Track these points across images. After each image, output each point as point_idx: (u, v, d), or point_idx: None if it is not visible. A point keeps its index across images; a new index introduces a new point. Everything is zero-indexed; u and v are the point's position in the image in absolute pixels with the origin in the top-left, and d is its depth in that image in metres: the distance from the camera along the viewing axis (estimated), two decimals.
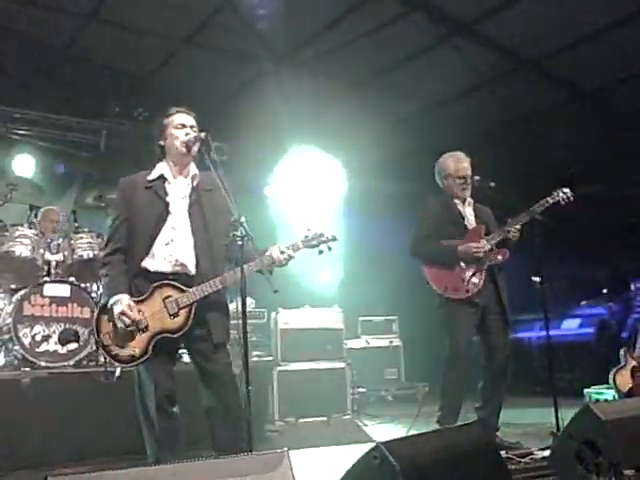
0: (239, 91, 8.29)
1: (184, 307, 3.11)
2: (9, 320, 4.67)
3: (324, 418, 6.17)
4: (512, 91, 7.75)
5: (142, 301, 3.14)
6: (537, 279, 4.47)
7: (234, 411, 3.18)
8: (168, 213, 3.24)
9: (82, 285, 5.02)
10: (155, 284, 3.16)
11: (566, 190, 4.38)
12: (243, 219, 2.99)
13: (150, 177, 3.31)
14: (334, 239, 3.32)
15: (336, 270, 7.44)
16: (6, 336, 4.75)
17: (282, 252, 3.21)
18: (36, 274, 5.08)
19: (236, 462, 2.04)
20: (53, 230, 5.49)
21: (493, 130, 8.51)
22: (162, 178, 3.31)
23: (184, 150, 3.30)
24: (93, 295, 5.01)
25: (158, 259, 3.19)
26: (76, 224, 5.44)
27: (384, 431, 5.69)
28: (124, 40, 7.46)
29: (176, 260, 3.20)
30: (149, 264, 3.18)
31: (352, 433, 5.60)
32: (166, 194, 3.27)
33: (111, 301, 3.11)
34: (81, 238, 5.24)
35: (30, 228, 5.17)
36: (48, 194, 6.94)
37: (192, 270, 3.22)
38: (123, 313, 3.07)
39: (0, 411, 4.20)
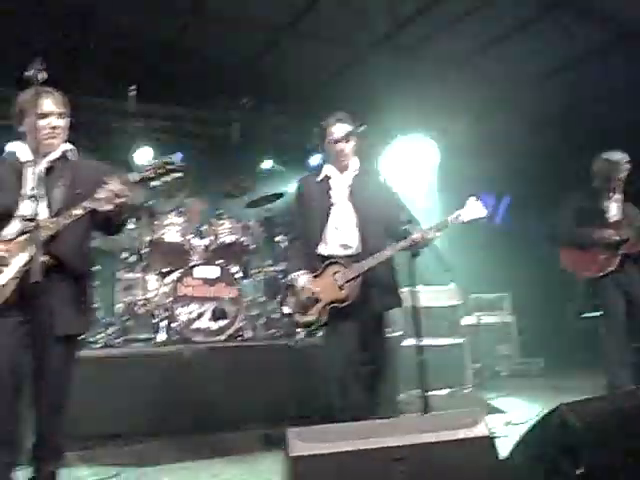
0: (337, 75, 8.52)
1: (349, 280, 3.57)
2: (167, 300, 5.16)
3: (447, 391, 6.43)
4: (616, 63, 7.67)
5: (316, 277, 3.69)
6: None
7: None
8: (332, 204, 3.75)
9: (227, 267, 5.44)
10: (326, 262, 3.67)
11: None
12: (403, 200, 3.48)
13: (319, 178, 3.86)
14: (485, 217, 3.58)
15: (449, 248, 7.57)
16: (165, 314, 5.24)
17: (425, 232, 3.52)
18: (184, 258, 5.55)
19: (446, 418, 2.34)
20: (198, 217, 5.94)
21: (597, 104, 8.41)
22: (327, 177, 3.84)
23: (339, 161, 3.81)
24: (236, 276, 5.43)
25: (329, 243, 3.73)
26: (218, 211, 5.89)
27: (508, 404, 5.87)
28: (227, 31, 7.79)
29: (344, 243, 3.71)
30: (322, 249, 3.74)
31: (478, 405, 5.81)
32: (330, 188, 3.81)
33: (290, 277, 3.76)
34: (223, 224, 5.69)
35: (178, 217, 5.63)
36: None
37: (359, 250, 3.68)
38: (303, 287, 3.66)
39: (165, 382, 4.67)
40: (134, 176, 2.80)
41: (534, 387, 6.88)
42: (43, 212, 2.81)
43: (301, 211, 3.85)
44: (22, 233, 2.80)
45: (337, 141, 3.72)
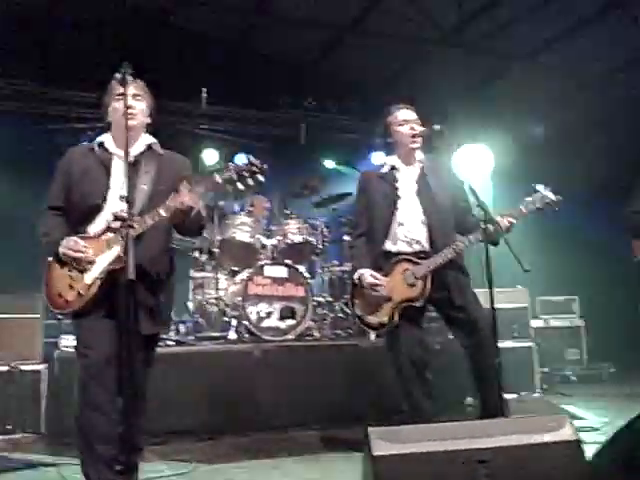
0: (401, 72, 8.49)
1: (420, 277, 3.49)
2: (238, 299, 5.24)
3: (514, 396, 6.31)
4: None
5: (385, 276, 3.59)
6: None
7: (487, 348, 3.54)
8: (398, 197, 3.64)
9: (295, 266, 5.49)
10: (394, 259, 3.59)
11: None
12: (474, 188, 3.32)
13: (383, 170, 3.75)
14: (558, 202, 3.46)
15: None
16: (235, 313, 5.33)
17: (502, 217, 3.42)
18: (254, 257, 5.64)
19: (530, 421, 2.31)
20: (264, 217, 6.02)
21: None
22: (393, 168, 3.72)
23: (410, 145, 3.67)
24: (306, 275, 5.47)
25: (396, 240, 3.62)
26: (287, 211, 5.96)
27: (577, 409, 5.72)
28: (291, 31, 7.85)
29: (411, 239, 3.61)
30: (389, 246, 3.64)
31: (548, 410, 5.68)
32: (396, 180, 3.69)
33: (356, 275, 3.62)
34: (291, 224, 5.75)
35: (248, 216, 5.72)
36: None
37: (426, 246, 3.60)
38: (372, 284, 3.54)
39: (236, 379, 4.76)
40: (217, 178, 2.76)
41: (604, 392, 6.70)
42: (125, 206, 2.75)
43: (365, 206, 3.73)
44: (107, 229, 2.84)
45: (404, 122, 3.64)
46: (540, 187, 3.46)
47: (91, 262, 2.81)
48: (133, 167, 2.87)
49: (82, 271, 2.82)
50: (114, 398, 2.75)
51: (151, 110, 3.08)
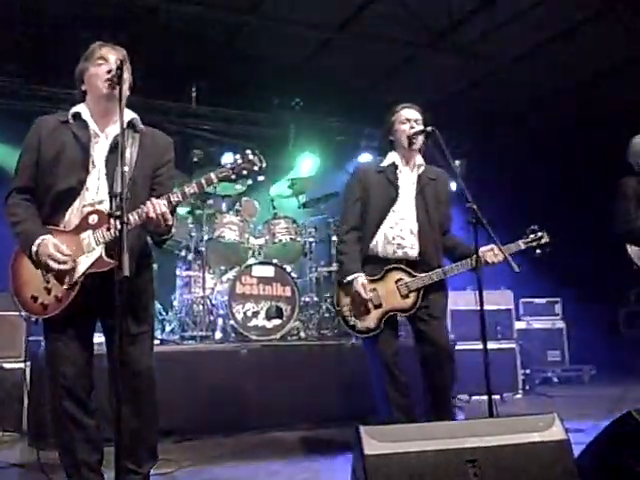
0: (389, 74, 8.53)
1: (414, 290, 3.45)
2: (225, 298, 5.23)
3: (496, 396, 6.35)
4: None
5: (376, 281, 3.51)
6: None
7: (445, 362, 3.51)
8: (397, 197, 3.55)
9: (282, 266, 5.49)
10: (388, 267, 3.51)
11: None
12: (475, 206, 3.21)
13: (384, 164, 3.65)
14: (549, 244, 3.54)
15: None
16: (222, 312, 5.32)
17: (496, 255, 3.42)
18: (241, 256, 5.63)
19: (518, 421, 2.34)
20: (252, 217, 6.00)
21: None
22: (393, 165, 3.63)
23: (407, 143, 3.60)
24: (293, 275, 5.47)
25: (382, 242, 3.53)
26: (274, 210, 5.95)
27: (561, 410, 5.77)
28: (280, 31, 7.82)
29: (398, 244, 3.52)
30: (375, 247, 3.54)
31: (529, 411, 5.74)
32: (396, 179, 3.59)
33: (349, 278, 3.49)
34: (279, 223, 5.75)
35: (236, 216, 5.71)
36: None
37: (415, 255, 3.52)
38: (358, 293, 3.45)
39: (222, 379, 4.73)
40: (213, 177, 2.67)
41: (585, 394, 6.79)
42: (104, 194, 2.63)
43: (358, 198, 3.58)
44: (84, 223, 2.60)
45: (406, 121, 3.58)
46: (535, 227, 3.57)
47: (72, 268, 2.57)
48: (114, 150, 2.61)
49: (61, 277, 2.58)
50: (89, 403, 2.71)
51: (130, 82, 2.77)
